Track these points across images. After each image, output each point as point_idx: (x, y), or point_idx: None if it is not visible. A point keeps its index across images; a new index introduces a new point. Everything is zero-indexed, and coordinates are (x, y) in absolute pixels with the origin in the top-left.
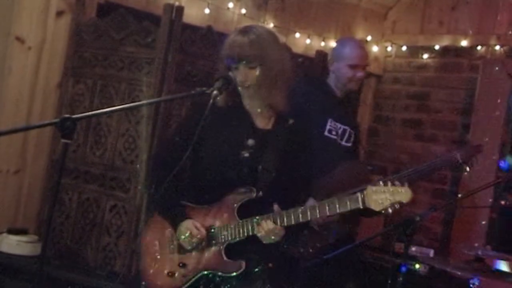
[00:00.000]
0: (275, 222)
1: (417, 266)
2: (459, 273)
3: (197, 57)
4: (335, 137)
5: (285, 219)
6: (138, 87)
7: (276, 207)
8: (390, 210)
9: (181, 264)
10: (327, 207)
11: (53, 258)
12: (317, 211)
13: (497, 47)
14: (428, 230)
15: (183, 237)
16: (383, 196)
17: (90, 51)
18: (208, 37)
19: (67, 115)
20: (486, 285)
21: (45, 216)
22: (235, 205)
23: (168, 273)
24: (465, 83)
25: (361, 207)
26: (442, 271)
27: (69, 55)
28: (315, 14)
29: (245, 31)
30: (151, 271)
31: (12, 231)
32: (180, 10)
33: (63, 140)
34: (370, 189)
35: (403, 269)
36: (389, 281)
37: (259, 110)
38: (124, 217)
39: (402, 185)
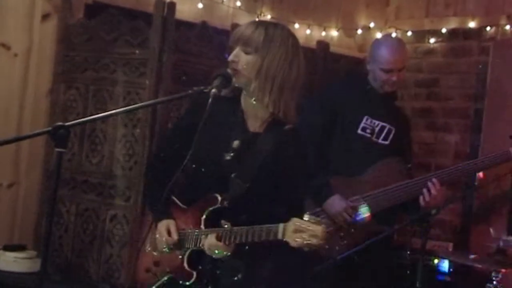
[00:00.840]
0: (218, 239)
1: (435, 261)
2: (480, 266)
3: (193, 55)
4: (369, 135)
5: (228, 237)
6: (133, 90)
7: (223, 222)
8: (306, 249)
9: (155, 263)
10: (256, 235)
11: (54, 274)
12: (248, 235)
13: (508, 27)
14: (445, 223)
15: (156, 237)
16: (301, 234)
17: (80, 54)
18: (204, 34)
19: (59, 123)
20: (509, 277)
21: (43, 230)
22: (205, 211)
23: (145, 268)
24: (476, 67)
25: (281, 238)
26: (462, 265)
27: (58, 60)
28: (314, 3)
29: (261, 22)
30: (138, 262)
31: (9, 248)
32: (172, 6)
33: (57, 149)
34: (293, 223)
35: None
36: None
37: (252, 109)
38: (126, 226)
39: (318, 224)
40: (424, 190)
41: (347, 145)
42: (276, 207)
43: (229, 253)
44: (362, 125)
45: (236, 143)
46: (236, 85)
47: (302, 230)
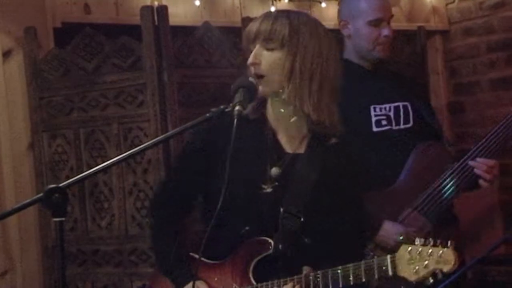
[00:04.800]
0: None
1: None
2: None
3: (200, 67)
4: (388, 126)
5: (319, 283)
6: (134, 125)
7: (306, 268)
8: (431, 280)
9: None
10: (351, 275)
11: None
12: (340, 278)
13: None
14: None
15: None
16: (420, 262)
17: (60, 93)
18: (209, 37)
19: (52, 186)
20: None
21: None
22: (251, 262)
23: None
24: None
25: (391, 273)
26: None
27: (33, 105)
28: None
29: (279, 11)
30: None
31: None
32: (163, 11)
33: (55, 219)
34: (404, 249)
35: None
36: None
37: (286, 124)
38: None
39: (445, 245)
40: (479, 172)
41: (367, 152)
42: (339, 237)
43: None
44: (374, 118)
45: (275, 170)
46: (262, 95)
47: (420, 257)
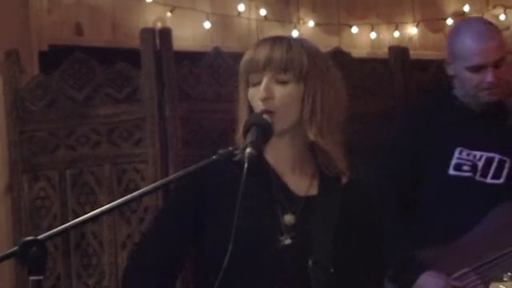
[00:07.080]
0: None
1: None
2: None
3: (208, 99)
4: (469, 173)
5: None
6: (129, 166)
7: None
8: None
9: None
10: None
11: None
12: None
13: None
14: None
15: None
16: None
17: (43, 127)
18: (219, 65)
19: (29, 238)
20: None
21: None
22: None
23: None
24: None
25: None
26: None
27: (12, 140)
28: None
29: (284, 38)
30: None
31: None
32: (166, 34)
33: (31, 278)
34: None
35: None
36: None
37: (292, 164)
38: None
39: None
40: None
41: (438, 195)
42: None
43: None
44: (454, 161)
45: (289, 218)
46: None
47: None
